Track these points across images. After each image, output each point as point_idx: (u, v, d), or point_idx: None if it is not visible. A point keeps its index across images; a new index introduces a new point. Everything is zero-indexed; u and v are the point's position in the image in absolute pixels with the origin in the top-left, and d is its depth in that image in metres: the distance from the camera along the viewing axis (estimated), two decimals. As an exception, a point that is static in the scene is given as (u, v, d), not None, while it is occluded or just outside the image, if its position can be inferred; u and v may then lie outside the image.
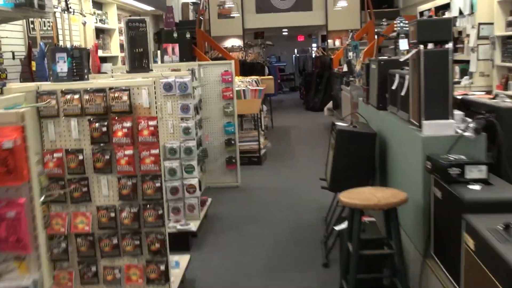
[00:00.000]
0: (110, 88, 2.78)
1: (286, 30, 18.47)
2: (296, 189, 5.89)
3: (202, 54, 12.19)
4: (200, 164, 5.59)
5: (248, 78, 9.40)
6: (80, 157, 2.83)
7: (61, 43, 6.71)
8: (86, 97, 2.78)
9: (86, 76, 3.11)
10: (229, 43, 14.94)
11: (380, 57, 4.03)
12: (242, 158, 7.05)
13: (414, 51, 2.80)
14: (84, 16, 7.57)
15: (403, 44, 5.19)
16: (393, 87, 3.46)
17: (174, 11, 13.94)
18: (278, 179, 6.43)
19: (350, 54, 9.65)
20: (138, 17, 4.44)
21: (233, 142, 5.84)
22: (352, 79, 8.53)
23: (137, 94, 2.80)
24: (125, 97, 2.77)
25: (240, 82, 8.42)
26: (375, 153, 3.72)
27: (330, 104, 12.22)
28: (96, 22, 8.35)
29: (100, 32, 8.74)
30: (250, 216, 5.00)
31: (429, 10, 9.84)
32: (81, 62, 3.06)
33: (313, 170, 6.74)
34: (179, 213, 4.32)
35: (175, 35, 11.24)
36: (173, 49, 5.59)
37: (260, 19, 14.13)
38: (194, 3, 15.02)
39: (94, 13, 8.33)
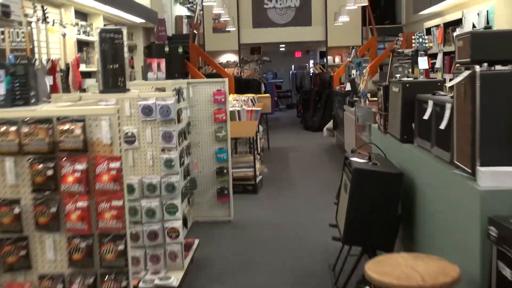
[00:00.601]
0: (58, 118, 2.07)
1: (283, 45, 17.89)
2: (297, 226, 5.16)
3: (195, 69, 11.53)
4: (187, 196, 4.87)
5: (244, 96, 8.72)
6: (17, 210, 2.11)
7: (36, 55, 6.02)
8: (26, 129, 2.07)
9: (34, 100, 2.41)
10: (224, 58, 14.30)
11: (404, 79, 3.35)
12: (236, 186, 6.32)
13: (465, 73, 2.10)
14: (64, 27, 6.87)
15: (423, 62, 4.52)
16: (425, 117, 2.77)
17: (167, 25, 13.31)
18: (276, 212, 5.71)
19: (353, 72, 9.00)
20: (114, 27, 3.77)
21: (225, 171, 5.12)
22: (356, 99, 7.86)
23: (94, 126, 2.09)
24: (78, 130, 2.06)
25: (235, 101, 7.73)
26: (401, 198, 3.01)
27: (330, 124, 11.55)
28: (79, 34, 7.66)
29: (83, 45, 8.06)
30: (244, 261, 4.26)
31: (437, 26, 9.23)
32: (27, 81, 2.35)
33: (314, 201, 6.02)
34: (158, 262, 3.58)
35: (166, 49, 10.59)
36: (158, 64, 4.89)
37: (257, 34, 13.51)
38: (188, 17, 14.41)
39: (77, 24, 7.65)
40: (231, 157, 6.29)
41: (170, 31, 13.51)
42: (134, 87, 4.38)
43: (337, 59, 13.57)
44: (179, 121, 4.50)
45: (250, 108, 6.41)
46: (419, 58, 4.49)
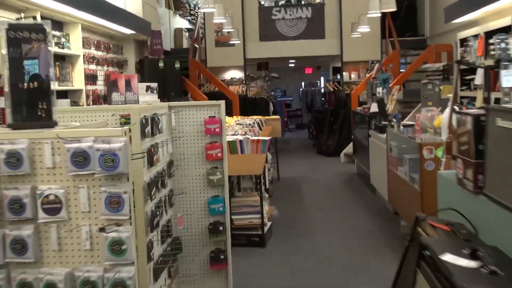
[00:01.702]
0: None
1: (293, 61, 16.56)
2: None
3: (195, 88, 10.19)
4: (168, 264, 3.46)
5: (249, 119, 7.34)
6: None
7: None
8: None
9: None
10: (228, 75, 12.96)
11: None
12: (238, 237, 4.92)
13: None
14: (25, 36, 5.56)
15: (508, 77, 3.10)
16: None
17: (166, 38, 12.02)
18: (291, 277, 4.27)
19: (379, 90, 7.60)
20: (30, 22, 2.45)
21: (221, 228, 3.70)
22: (384, 123, 6.44)
23: None
24: None
25: (238, 126, 6.33)
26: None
27: (348, 149, 10.13)
28: (51, 46, 6.35)
29: (58, 59, 6.74)
30: None
31: (476, 36, 7.80)
32: None
33: (337, 259, 4.59)
34: None
35: (161, 64, 9.27)
36: (128, 81, 3.52)
37: (264, 48, 12.18)
38: (189, 30, 13.15)
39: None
40: (232, 197, 4.89)
41: (169, 45, 12.24)
42: (82, 116, 3.01)
43: (354, 75, 12.18)
44: (151, 163, 3.11)
45: (256, 138, 5.00)
46: (503, 72, 3.08)
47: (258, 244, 4.96)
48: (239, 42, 11.00)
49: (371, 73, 10.02)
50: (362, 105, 10.06)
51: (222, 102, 3.72)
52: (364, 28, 9.56)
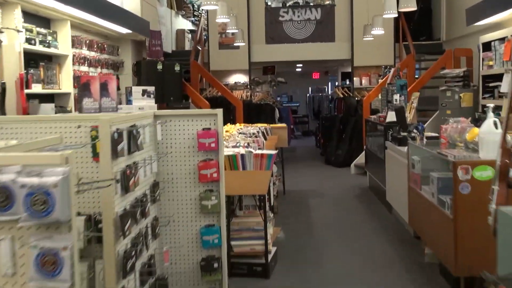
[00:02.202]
0: None
1: (300, 65, 15.91)
2: None
3: (196, 92, 9.55)
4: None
5: (253, 128, 6.68)
6: None
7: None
8: None
9: None
10: (232, 79, 12.31)
11: None
12: (238, 266, 4.26)
13: None
14: (1, 32, 4.94)
15: None
16: None
17: (167, 39, 11.40)
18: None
19: (396, 97, 6.93)
20: None
21: (216, 265, 3.03)
22: (404, 134, 5.77)
23: None
24: None
25: (240, 137, 5.68)
26: None
27: (359, 160, 9.45)
28: (35, 44, 5.72)
29: (43, 59, 6.11)
30: None
31: (503, 39, 7.09)
32: None
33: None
34: None
35: (159, 66, 8.63)
36: (104, 85, 2.87)
37: (270, 51, 11.54)
38: (191, 31, 12.53)
39: (33, 30, 5.72)
40: (231, 218, 4.23)
41: (170, 47, 11.62)
42: (32, 128, 2.37)
43: (365, 81, 11.50)
44: (126, 189, 2.46)
45: (260, 151, 4.33)
46: None
47: (261, 274, 4.29)
48: (244, 44, 10.35)
49: (385, 78, 9.35)
50: (375, 113, 9.39)
51: (220, 111, 3.06)
52: (378, 31, 8.90)
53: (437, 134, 5.18)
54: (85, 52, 7.20)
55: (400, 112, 5.70)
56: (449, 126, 4.66)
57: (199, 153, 3.02)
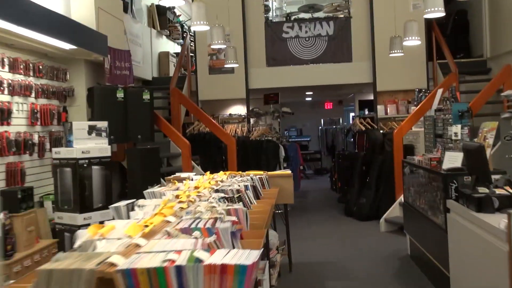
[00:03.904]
0: None
1: (310, 93, 13.71)
2: None
3: (172, 128, 7.34)
4: None
5: (243, 178, 4.39)
6: None
7: None
8: None
9: None
10: (228, 111, 10.11)
11: None
12: None
13: None
14: None
15: None
16: None
17: (146, 64, 9.29)
18: None
19: (454, 129, 4.64)
20: None
21: None
22: (485, 191, 3.43)
23: None
24: None
25: (214, 198, 3.36)
26: None
27: (392, 213, 7.11)
28: None
29: None
30: None
31: None
32: None
33: None
34: None
35: (120, 94, 6.45)
36: None
37: (272, 75, 9.37)
38: (177, 54, 10.46)
39: None
40: None
41: (150, 73, 9.52)
42: None
43: (391, 109, 9.23)
44: None
45: (219, 260, 2.04)
46: None
47: None
48: (237, 65, 8.17)
49: (422, 104, 7.10)
50: (409, 151, 7.10)
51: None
52: (412, 41, 6.67)
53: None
54: (4, 74, 5.07)
55: (478, 154, 3.40)
56: None
57: None
